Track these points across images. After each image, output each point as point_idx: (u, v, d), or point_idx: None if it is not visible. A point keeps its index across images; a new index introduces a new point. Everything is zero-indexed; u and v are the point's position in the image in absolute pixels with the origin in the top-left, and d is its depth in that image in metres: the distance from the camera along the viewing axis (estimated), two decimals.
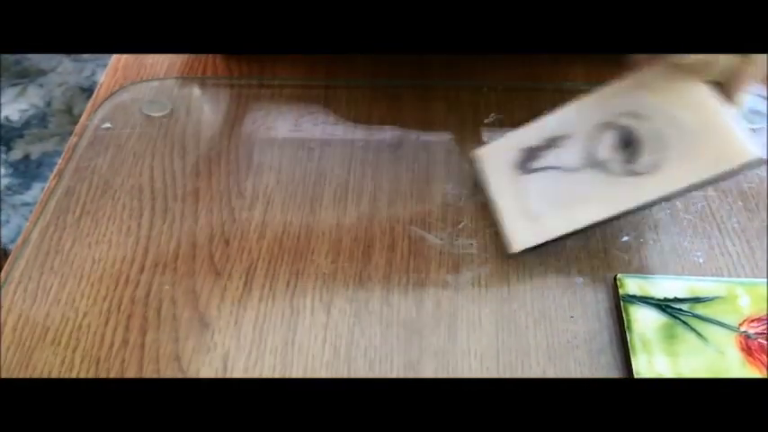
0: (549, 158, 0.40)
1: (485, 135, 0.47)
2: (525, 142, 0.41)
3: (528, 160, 0.40)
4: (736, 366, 0.34)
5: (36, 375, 0.35)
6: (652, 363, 0.35)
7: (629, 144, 0.37)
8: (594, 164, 0.38)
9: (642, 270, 0.39)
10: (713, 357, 0.35)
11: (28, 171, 1.37)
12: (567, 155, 0.39)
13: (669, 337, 0.35)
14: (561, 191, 0.39)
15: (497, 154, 0.42)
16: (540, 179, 0.40)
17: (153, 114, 0.48)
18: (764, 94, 0.49)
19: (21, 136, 1.42)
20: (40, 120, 1.43)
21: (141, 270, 0.40)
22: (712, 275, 0.39)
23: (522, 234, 0.39)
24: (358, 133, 0.47)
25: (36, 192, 1.32)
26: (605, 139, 0.38)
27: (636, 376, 0.34)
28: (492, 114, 0.48)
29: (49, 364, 0.36)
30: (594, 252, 0.40)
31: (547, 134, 0.40)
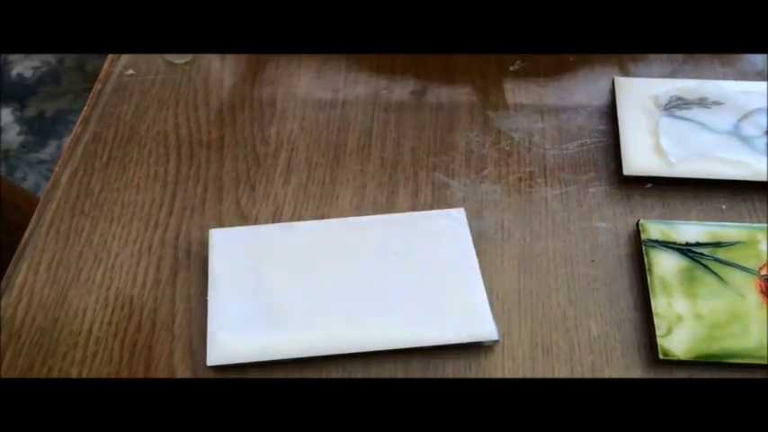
0: (696, 113, 0.43)
1: (509, 83, 0.47)
2: (675, 92, 0.44)
3: (675, 107, 0.43)
4: (754, 309, 0.35)
5: (71, 313, 0.37)
6: (671, 304, 0.35)
7: None
8: (739, 136, 0.41)
9: (664, 217, 0.40)
10: (732, 300, 0.35)
11: (43, 129, 1.38)
12: (716, 117, 0.43)
13: (689, 279, 0.36)
14: (699, 143, 0.42)
15: (642, 88, 0.45)
16: (680, 125, 0.43)
17: (175, 61, 0.49)
18: None
19: (35, 93, 1.42)
20: (52, 77, 1.43)
21: (170, 213, 0.41)
22: (734, 222, 0.39)
23: (643, 162, 0.41)
24: (381, 81, 0.47)
25: (52, 149, 1.33)
26: (756, 119, 0.42)
27: (655, 318, 0.35)
28: (517, 62, 0.48)
29: (84, 302, 0.37)
30: (617, 199, 0.41)
31: (701, 94, 0.44)
